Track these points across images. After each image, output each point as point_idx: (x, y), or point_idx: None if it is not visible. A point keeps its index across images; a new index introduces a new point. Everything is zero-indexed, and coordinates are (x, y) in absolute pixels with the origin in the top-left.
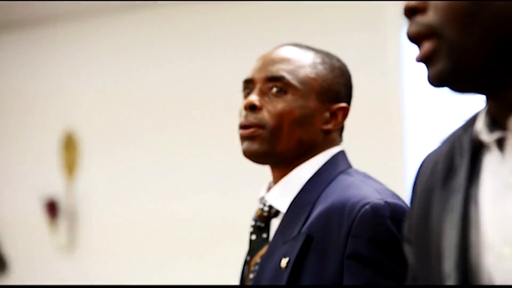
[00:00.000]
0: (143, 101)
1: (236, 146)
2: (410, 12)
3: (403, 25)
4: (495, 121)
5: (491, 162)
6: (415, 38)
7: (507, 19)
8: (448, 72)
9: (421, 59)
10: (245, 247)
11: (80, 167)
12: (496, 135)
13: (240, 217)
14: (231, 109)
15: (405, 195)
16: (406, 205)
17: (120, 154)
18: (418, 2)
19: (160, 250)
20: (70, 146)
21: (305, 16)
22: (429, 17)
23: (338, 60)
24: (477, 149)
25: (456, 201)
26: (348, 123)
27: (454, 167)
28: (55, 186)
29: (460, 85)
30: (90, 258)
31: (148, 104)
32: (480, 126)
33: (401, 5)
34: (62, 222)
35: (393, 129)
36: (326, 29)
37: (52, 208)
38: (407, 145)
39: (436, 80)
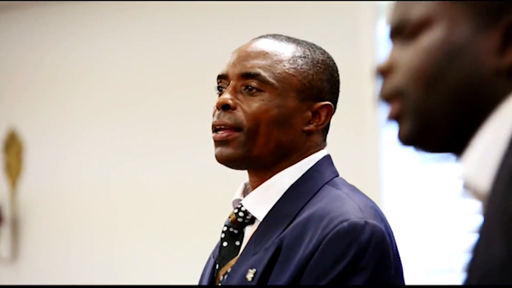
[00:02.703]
0: (92, 97)
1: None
2: (380, 74)
3: (378, 19)
4: None
5: None
6: (385, 99)
7: (471, 79)
8: (414, 133)
9: (390, 119)
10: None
11: (24, 170)
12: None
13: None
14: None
15: (379, 192)
16: (387, 228)
17: (68, 155)
18: (385, 65)
19: (110, 262)
20: (12, 147)
21: (276, 7)
22: (396, 78)
23: (323, 53)
24: None
25: None
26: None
27: None
28: None
29: (427, 146)
30: (34, 271)
31: (98, 100)
32: None
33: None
34: (5, 231)
35: (367, 123)
36: (299, 23)
37: None
38: (382, 141)
39: (403, 141)
